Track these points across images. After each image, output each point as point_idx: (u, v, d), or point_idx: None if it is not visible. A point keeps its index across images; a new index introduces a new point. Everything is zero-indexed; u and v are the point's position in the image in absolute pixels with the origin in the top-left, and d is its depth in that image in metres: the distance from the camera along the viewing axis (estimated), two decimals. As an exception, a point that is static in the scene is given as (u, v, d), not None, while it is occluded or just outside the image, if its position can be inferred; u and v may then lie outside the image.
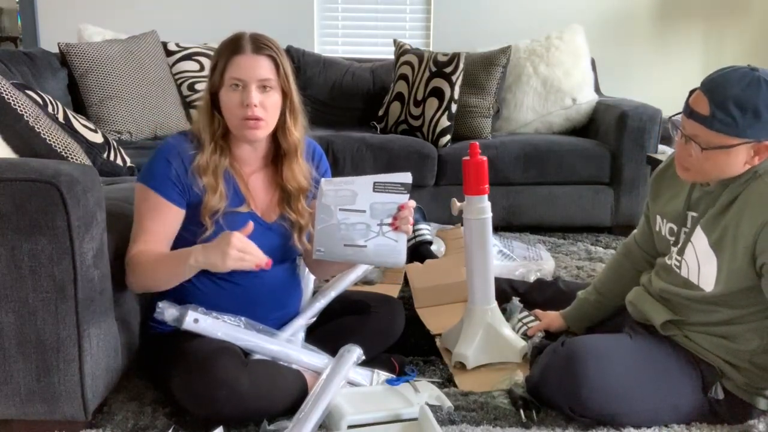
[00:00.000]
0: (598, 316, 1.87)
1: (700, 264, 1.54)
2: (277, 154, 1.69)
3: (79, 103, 3.12)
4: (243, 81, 1.55)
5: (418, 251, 2.58)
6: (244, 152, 1.65)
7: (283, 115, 1.62)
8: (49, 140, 2.06)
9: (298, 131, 1.66)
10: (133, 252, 1.55)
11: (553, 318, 1.95)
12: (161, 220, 1.57)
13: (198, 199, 1.58)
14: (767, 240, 1.40)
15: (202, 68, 3.42)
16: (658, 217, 1.69)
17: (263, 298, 1.66)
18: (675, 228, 1.63)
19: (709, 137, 1.42)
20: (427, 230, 2.68)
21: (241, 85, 1.55)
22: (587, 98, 3.47)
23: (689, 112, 1.44)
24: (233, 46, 1.56)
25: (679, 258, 1.59)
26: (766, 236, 1.41)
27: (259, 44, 1.57)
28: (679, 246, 1.60)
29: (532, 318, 2.00)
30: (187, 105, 3.37)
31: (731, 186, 1.49)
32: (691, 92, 1.47)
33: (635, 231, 1.87)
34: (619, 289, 1.81)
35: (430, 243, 2.64)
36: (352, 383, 1.67)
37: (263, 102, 1.56)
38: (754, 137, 1.40)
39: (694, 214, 1.57)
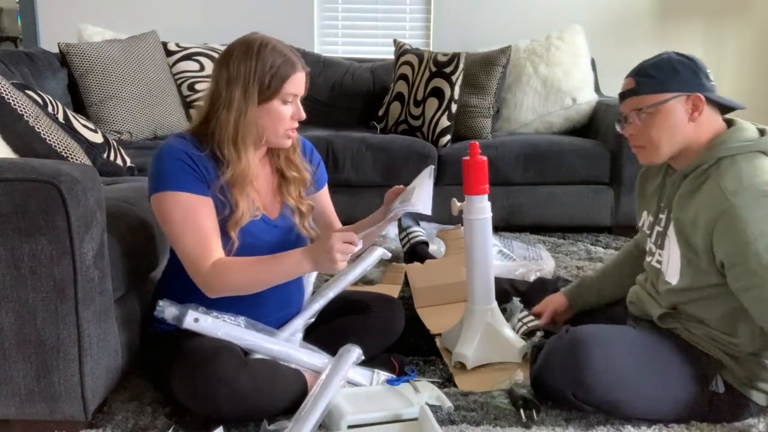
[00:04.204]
0: (591, 298, 1.92)
1: (671, 257, 1.59)
2: (270, 149, 1.71)
3: (79, 103, 3.12)
4: (296, 96, 1.61)
5: (416, 252, 2.58)
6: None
7: None
8: (49, 140, 2.06)
9: None
10: (211, 264, 1.53)
11: (554, 300, 1.97)
12: (208, 216, 1.55)
13: (217, 203, 1.58)
14: (720, 238, 1.44)
15: (202, 68, 3.42)
16: (645, 213, 1.74)
17: (267, 298, 1.66)
18: (652, 220, 1.69)
19: (643, 102, 1.54)
20: (420, 231, 2.68)
21: (292, 99, 1.60)
22: (587, 98, 3.47)
23: (621, 95, 1.60)
24: (291, 62, 1.58)
25: (661, 252, 1.64)
26: (719, 234, 1.44)
27: (302, 60, 1.63)
28: (657, 240, 1.65)
29: (532, 318, 2.00)
30: (187, 105, 3.37)
31: (691, 176, 1.54)
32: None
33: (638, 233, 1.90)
34: (614, 277, 1.89)
35: (426, 243, 2.65)
36: (352, 383, 1.67)
37: None
38: (679, 90, 1.52)
39: (663, 205, 1.64)
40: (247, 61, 1.55)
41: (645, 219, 1.75)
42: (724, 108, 1.59)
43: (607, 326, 1.66)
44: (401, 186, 1.75)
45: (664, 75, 1.53)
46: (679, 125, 1.53)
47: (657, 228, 1.66)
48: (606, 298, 1.91)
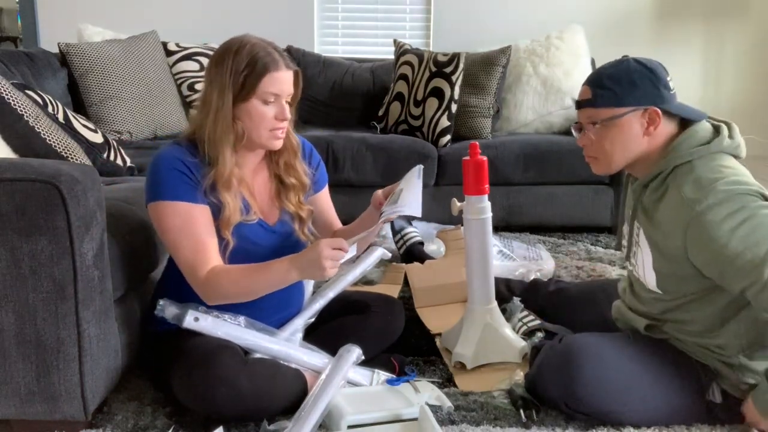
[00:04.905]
0: None
1: (645, 264, 1.57)
2: (270, 152, 1.70)
3: (79, 103, 3.12)
4: (278, 95, 1.56)
5: (412, 253, 2.57)
6: (246, 158, 1.65)
7: None
8: (49, 140, 2.06)
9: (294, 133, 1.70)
10: (207, 272, 1.53)
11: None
12: (204, 224, 1.54)
13: (211, 206, 1.57)
14: (696, 249, 1.42)
15: (202, 68, 3.42)
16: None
17: (267, 298, 1.64)
18: (628, 228, 1.68)
19: (598, 115, 1.53)
20: (415, 232, 2.67)
21: (274, 99, 1.56)
22: (587, 98, 3.47)
23: (577, 104, 1.58)
24: (267, 61, 1.54)
25: (635, 262, 1.63)
26: (692, 246, 1.42)
27: (288, 60, 1.59)
28: (631, 249, 1.64)
29: (532, 318, 2.00)
30: (187, 105, 3.37)
31: (650, 186, 1.54)
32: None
33: None
34: None
35: (422, 243, 2.64)
36: (352, 383, 1.67)
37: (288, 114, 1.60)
38: (636, 104, 1.50)
39: (630, 214, 1.63)
40: (224, 62, 1.54)
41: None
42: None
43: (601, 336, 1.64)
44: (388, 187, 1.73)
45: (622, 88, 1.50)
46: (633, 139, 1.52)
47: (631, 236, 1.65)
48: None
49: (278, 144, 1.62)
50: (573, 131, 1.64)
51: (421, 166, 1.74)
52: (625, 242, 1.72)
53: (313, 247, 1.51)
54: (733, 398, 1.53)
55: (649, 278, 1.57)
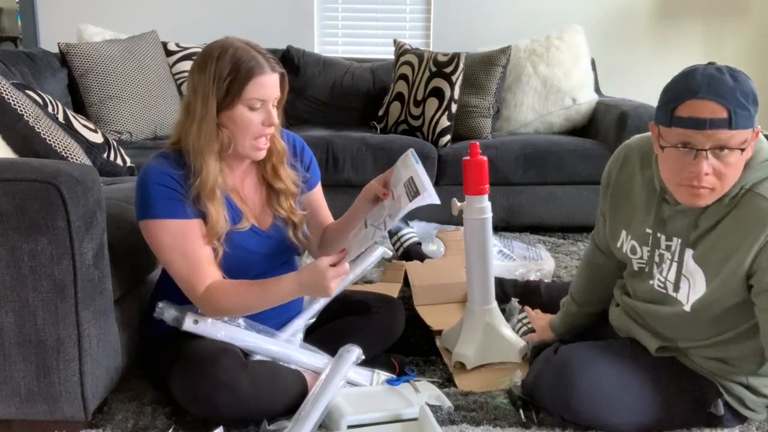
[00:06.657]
0: (583, 324, 1.84)
1: (690, 281, 1.46)
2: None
3: (79, 103, 3.12)
4: (263, 101, 1.52)
5: (410, 254, 2.56)
6: (233, 163, 1.61)
7: None
8: (49, 140, 2.06)
9: (280, 139, 1.66)
10: (204, 289, 1.52)
11: (543, 328, 1.91)
12: (197, 239, 1.52)
13: (202, 216, 1.54)
14: (767, 260, 1.33)
15: (202, 68, 3.42)
16: (623, 232, 1.60)
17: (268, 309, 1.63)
18: (638, 248, 1.55)
19: (733, 139, 1.29)
20: (412, 232, 2.66)
21: (260, 105, 1.52)
22: (587, 98, 3.47)
23: (707, 122, 1.28)
24: (252, 65, 1.49)
25: (662, 279, 1.52)
26: (766, 255, 1.33)
27: (273, 62, 1.53)
28: (670, 274, 1.50)
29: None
30: (187, 105, 3.37)
31: (712, 207, 1.39)
32: (673, 109, 1.32)
33: (593, 233, 1.82)
34: (595, 297, 1.79)
35: (419, 243, 2.64)
36: (352, 383, 1.67)
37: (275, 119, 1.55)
38: (755, 125, 1.33)
39: (668, 237, 1.48)
40: (206, 69, 1.49)
41: (625, 240, 1.59)
42: None
43: (598, 345, 1.61)
44: (382, 175, 1.65)
45: (753, 108, 1.30)
46: (743, 162, 1.34)
47: (660, 255, 1.51)
48: (591, 321, 1.83)
49: (260, 155, 1.57)
50: (676, 154, 1.34)
51: (412, 150, 1.61)
52: (631, 255, 1.57)
53: (315, 268, 1.49)
54: (735, 411, 1.52)
55: (693, 297, 1.46)
